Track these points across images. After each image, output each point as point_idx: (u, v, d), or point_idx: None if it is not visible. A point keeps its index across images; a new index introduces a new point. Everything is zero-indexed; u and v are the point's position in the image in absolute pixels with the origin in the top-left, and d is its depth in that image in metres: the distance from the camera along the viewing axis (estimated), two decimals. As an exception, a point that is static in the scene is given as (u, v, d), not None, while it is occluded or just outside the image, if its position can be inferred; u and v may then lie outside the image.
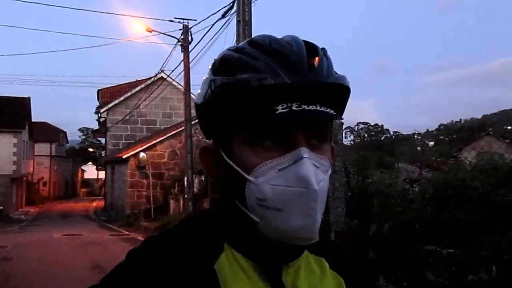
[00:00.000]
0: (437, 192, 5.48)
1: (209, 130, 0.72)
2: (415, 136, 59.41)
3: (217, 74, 0.67)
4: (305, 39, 0.69)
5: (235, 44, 0.71)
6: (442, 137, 55.73)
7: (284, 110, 0.61)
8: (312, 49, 0.66)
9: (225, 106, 0.65)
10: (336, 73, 0.67)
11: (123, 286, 0.62)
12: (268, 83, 0.62)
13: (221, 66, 0.67)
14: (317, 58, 0.65)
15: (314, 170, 0.61)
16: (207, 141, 0.76)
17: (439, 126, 60.09)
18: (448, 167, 6.59)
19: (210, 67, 0.70)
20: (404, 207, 5.76)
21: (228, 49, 0.69)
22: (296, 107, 0.61)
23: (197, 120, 0.73)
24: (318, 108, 0.62)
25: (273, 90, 0.62)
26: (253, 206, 0.63)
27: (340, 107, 0.69)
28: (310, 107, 0.62)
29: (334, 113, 0.64)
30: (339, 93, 0.67)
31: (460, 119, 58.60)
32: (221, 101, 0.65)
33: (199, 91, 0.71)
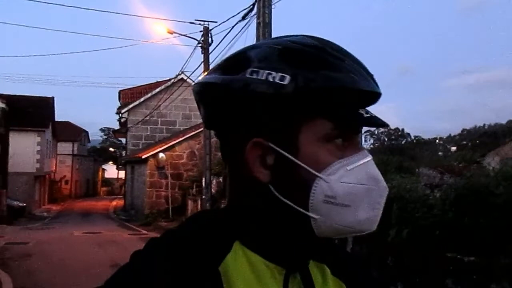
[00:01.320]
0: (458, 198, 5.36)
1: (251, 123, 0.67)
2: (437, 140, 58.42)
3: (297, 67, 0.63)
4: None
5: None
6: (464, 142, 54.60)
7: (367, 115, 0.66)
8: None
9: (301, 101, 0.63)
10: None
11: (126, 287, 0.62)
12: (356, 86, 0.64)
13: (299, 59, 0.64)
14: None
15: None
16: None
17: (462, 131, 58.91)
18: (470, 173, 6.45)
19: (274, 57, 0.65)
20: (424, 212, 5.66)
21: (296, 43, 0.66)
22: (365, 113, 0.67)
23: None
24: (374, 115, 0.68)
25: (359, 94, 0.65)
26: (318, 204, 0.63)
27: None
28: (371, 114, 0.67)
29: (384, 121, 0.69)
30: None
31: (484, 124, 57.27)
32: (298, 95, 0.63)
33: (243, 79, 0.65)
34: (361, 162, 0.65)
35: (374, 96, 0.67)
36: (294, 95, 0.63)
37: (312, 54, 0.65)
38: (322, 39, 0.69)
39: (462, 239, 4.85)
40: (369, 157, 0.66)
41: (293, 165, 0.64)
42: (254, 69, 0.64)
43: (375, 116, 0.67)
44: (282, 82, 0.63)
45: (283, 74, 0.63)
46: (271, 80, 0.63)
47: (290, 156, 0.64)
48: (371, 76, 0.68)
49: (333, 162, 0.64)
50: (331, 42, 0.69)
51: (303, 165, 0.64)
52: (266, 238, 0.67)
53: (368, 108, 0.67)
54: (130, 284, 0.63)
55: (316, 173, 0.63)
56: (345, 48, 0.70)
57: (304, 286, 0.67)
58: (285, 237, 0.66)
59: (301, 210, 0.64)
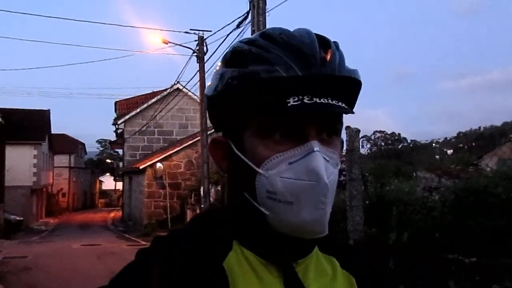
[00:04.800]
0: (458, 199, 5.37)
1: (219, 122, 0.72)
2: (433, 144, 58.56)
3: (229, 66, 0.67)
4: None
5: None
6: (461, 145, 54.78)
7: (296, 103, 0.60)
8: (324, 42, 0.66)
9: (236, 98, 0.65)
10: (348, 67, 0.67)
11: (132, 285, 0.62)
12: (281, 75, 0.61)
13: (233, 58, 0.67)
14: (329, 51, 0.65)
15: (324, 163, 0.61)
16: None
17: (458, 133, 59.02)
18: (469, 175, 6.46)
19: (221, 59, 0.71)
20: (424, 215, 5.66)
21: (240, 41, 0.69)
22: (308, 100, 0.61)
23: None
24: (330, 101, 0.62)
25: (285, 83, 0.62)
26: (263, 199, 0.63)
27: (351, 101, 0.68)
28: (322, 100, 0.61)
29: (346, 107, 0.63)
30: (350, 86, 0.67)
31: (480, 127, 57.42)
32: (233, 93, 0.65)
33: (209, 83, 0.71)
34: (302, 155, 0.61)
35: (318, 80, 0.62)
36: (223, 93, 0.66)
37: (243, 51, 0.66)
38: (269, 30, 0.68)
39: (463, 240, 4.85)
40: (314, 150, 0.61)
41: (242, 161, 0.66)
42: (215, 73, 0.70)
43: (320, 103, 0.61)
44: (218, 83, 0.67)
45: (219, 75, 0.68)
46: (214, 82, 0.69)
47: (237, 152, 0.67)
48: (312, 62, 0.62)
49: (270, 157, 0.62)
50: (277, 32, 0.66)
51: (246, 160, 0.65)
52: (253, 236, 0.67)
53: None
54: (138, 280, 0.62)
55: (255, 168, 0.63)
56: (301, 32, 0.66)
57: (290, 285, 0.65)
58: (264, 234, 0.65)
59: (256, 205, 0.64)
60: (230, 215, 0.70)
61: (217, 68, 0.70)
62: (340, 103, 0.63)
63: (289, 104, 0.60)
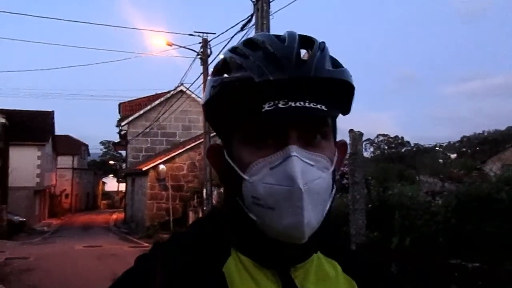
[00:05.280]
0: (461, 204, 5.34)
1: (214, 128, 0.73)
2: (437, 148, 58.36)
3: (214, 75, 0.68)
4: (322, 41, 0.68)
5: None
6: (464, 149, 54.57)
7: (270, 108, 0.60)
8: (306, 43, 0.65)
9: (221, 106, 0.66)
10: (334, 67, 0.65)
11: None
12: (253, 81, 0.61)
13: (220, 66, 0.68)
14: (309, 53, 0.64)
15: (302, 168, 0.60)
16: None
17: (462, 138, 58.80)
18: (472, 179, 6.43)
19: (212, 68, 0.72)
20: (427, 219, 5.64)
21: (228, 49, 0.69)
22: (282, 104, 0.60)
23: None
24: (307, 104, 0.61)
25: (258, 88, 0.61)
26: (249, 205, 0.63)
27: (339, 102, 0.66)
28: (298, 103, 0.60)
29: (325, 109, 0.62)
30: (335, 88, 0.65)
31: (483, 131, 57.19)
32: (218, 101, 0.66)
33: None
34: (281, 160, 0.60)
35: (293, 83, 0.61)
36: (212, 101, 0.67)
37: (227, 58, 0.67)
38: (254, 37, 0.68)
39: (466, 245, 4.82)
40: (291, 154, 0.60)
41: (231, 167, 0.66)
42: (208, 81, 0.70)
43: (295, 107, 0.60)
44: (209, 91, 0.67)
45: (209, 83, 0.68)
46: (206, 89, 0.69)
47: (227, 157, 0.67)
48: (285, 65, 0.61)
49: (253, 162, 0.62)
50: (258, 38, 0.66)
51: (233, 165, 0.65)
52: (248, 243, 0.66)
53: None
54: (139, 286, 0.62)
55: (240, 173, 0.63)
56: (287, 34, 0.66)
57: None
58: (257, 240, 0.65)
59: (246, 210, 0.64)
60: (228, 220, 0.70)
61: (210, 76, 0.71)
62: (319, 106, 0.61)
63: (263, 110, 0.60)
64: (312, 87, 0.62)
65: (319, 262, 0.70)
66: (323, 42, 0.67)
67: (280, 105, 0.60)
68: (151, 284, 0.61)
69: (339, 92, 0.65)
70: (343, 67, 0.67)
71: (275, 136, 0.62)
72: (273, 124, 0.61)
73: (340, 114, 0.70)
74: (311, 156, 0.62)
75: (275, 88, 0.61)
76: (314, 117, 0.63)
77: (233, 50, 0.67)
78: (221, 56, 0.70)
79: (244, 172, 0.63)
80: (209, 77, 0.70)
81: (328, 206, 0.64)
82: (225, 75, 0.65)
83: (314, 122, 0.64)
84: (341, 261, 0.73)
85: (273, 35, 0.67)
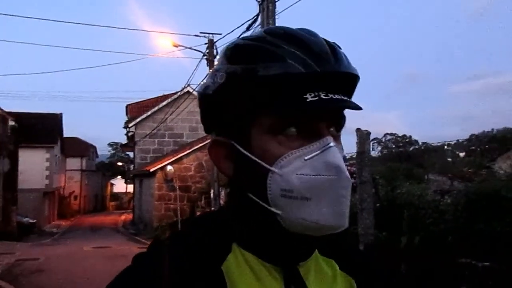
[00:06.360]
0: (470, 203, 5.30)
1: (215, 122, 0.70)
2: (445, 146, 57.97)
3: (233, 63, 0.65)
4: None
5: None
6: (473, 148, 54.13)
7: (314, 99, 0.60)
8: (327, 40, 0.67)
9: (244, 95, 0.64)
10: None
11: None
12: (298, 71, 0.61)
13: (238, 55, 0.66)
14: (335, 50, 0.65)
15: (341, 157, 0.62)
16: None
17: (470, 136, 58.28)
18: (481, 178, 6.38)
19: (221, 56, 0.69)
20: (436, 218, 5.60)
21: (243, 39, 0.68)
22: (324, 95, 0.61)
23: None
24: (343, 97, 0.63)
25: (303, 78, 0.61)
26: (275, 198, 0.62)
27: (351, 97, 0.69)
28: (336, 96, 0.62)
29: (356, 103, 0.64)
30: (355, 83, 0.67)
31: (492, 129, 56.62)
32: (239, 90, 0.64)
33: (203, 82, 0.71)
34: (319, 151, 0.60)
35: (332, 76, 0.62)
36: (227, 91, 0.64)
37: (251, 47, 0.65)
38: (272, 28, 0.67)
39: (475, 244, 4.78)
40: (330, 145, 0.61)
41: (249, 160, 0.64)
42: (215, 71, 0.68)
43: (336, 99, 0.61)
44: (221, 81, 0.65)
45: (223, 73, 0.65)
46: (214, 80, 0.66)
47: (244, 151, 0.65)
48: (326, 59, 0.62)
49: (284, 154, 0.61)
50: (282, 30, 0.66)
51: (255, 159, 0.63)
52: (256, 238, 0.66)
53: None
54: (137, 284, 0.62)
55: (268, 166, 0.62)
56: (310, 32, 0.66)
57: (295, 286, 0.65)
58: (270, 236, 0.65)
59: (265, 205, 0.63)
60: (231, 217, 0.69)
61: (217, 65, 0.69)
62: (350, 99, 0.64)
63: (308, 100, 0.60)
64: (345, 81, 0.64)
65: (317, 261, 0.70)
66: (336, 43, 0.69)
67: (322, 96, 0.61)
68: (146, 285, 0.61)
69: (354, 87, 0.68)
70: None
71: (308, 127, 0.62)
72: (312, 115, 0.62)
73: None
74: (339, 147, 0.64)
75: (319, 80, 0.62)
76: (348, 109, 0.65)
77: (256, 39, 0.65)
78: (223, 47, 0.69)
79: (270, 164, 0.62)
80: (220, 65, 0.67)
81: None
82: (256, 64, 0.63)
83: (341, 116, 0.66)
84: (338, 259, 0.73)
85: (292, 28, 0.67)
